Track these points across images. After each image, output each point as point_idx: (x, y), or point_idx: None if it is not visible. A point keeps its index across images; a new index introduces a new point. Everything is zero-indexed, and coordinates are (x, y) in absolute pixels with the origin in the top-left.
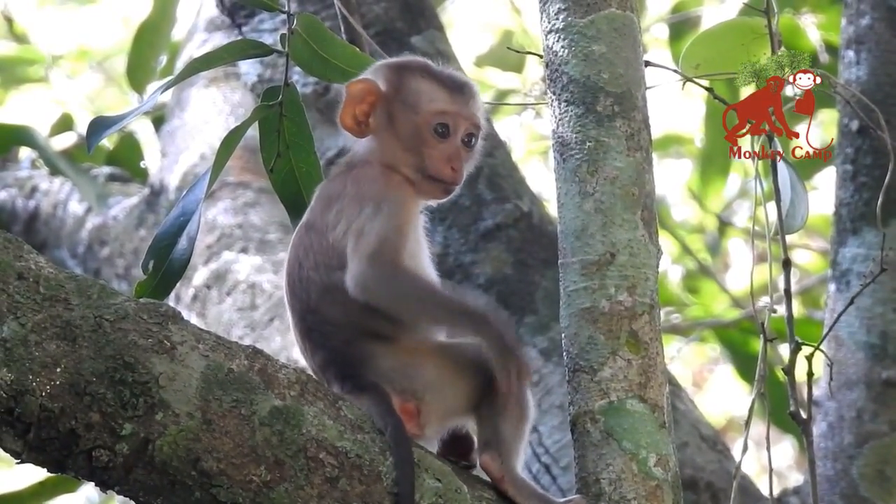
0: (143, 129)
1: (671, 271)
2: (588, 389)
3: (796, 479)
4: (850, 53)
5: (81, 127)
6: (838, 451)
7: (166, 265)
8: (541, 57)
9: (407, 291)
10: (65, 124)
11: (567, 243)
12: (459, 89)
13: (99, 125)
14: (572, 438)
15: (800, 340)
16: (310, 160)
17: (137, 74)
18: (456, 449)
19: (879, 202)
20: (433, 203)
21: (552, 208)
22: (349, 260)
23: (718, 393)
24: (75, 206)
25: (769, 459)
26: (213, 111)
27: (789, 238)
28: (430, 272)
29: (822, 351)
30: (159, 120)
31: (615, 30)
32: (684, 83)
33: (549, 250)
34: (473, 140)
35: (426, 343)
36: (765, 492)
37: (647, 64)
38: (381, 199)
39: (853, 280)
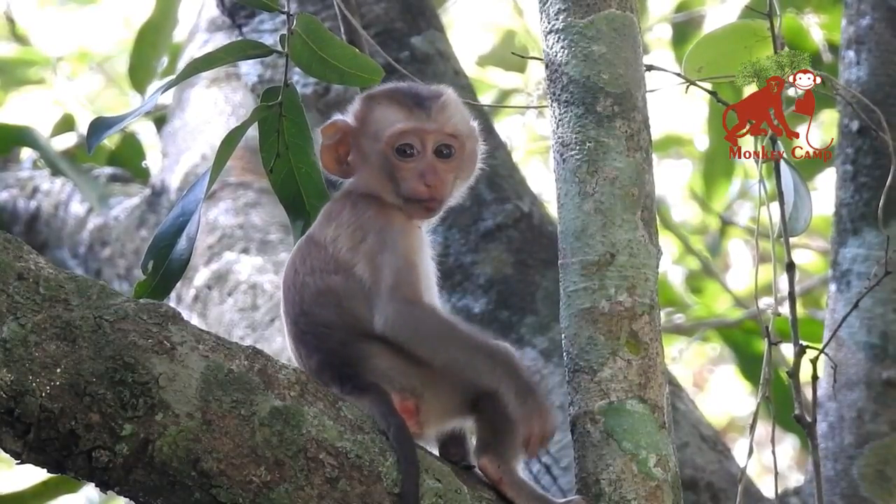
0: (144, 129)
1: (673, 272)
2: (588, 390)
3: (797, 479)
4: (851, 54)
5: (82, 128)
6: (839, 452)
7: (166, 265)
8: (541, 60)
9: (431, 335)
10: (66, 125)
11: (567, 244)
12: (419, 104)
13: (99, 126)
14: (572, 439)
15: (804, 344)
16: (309, 161)
17: (139, 75)
18: (450, 450)
19: (881, 203)
20: (426, 223)
21: (552, 209)
22: (372, 295)
23: (719, 393)
24: (76, 207)
25: (774, 462)
26: (214, 112)
27: (791, 238)
28: (434, 291)
29: (825, 354)
30: (161, 120)
31: (615, 30)
32: (687, 87)
33: (549, 251)
34: (451, 150)
35: None
36: (765, 492)
37: (650, 68)
38: (379, 229)
39: (854, 280)
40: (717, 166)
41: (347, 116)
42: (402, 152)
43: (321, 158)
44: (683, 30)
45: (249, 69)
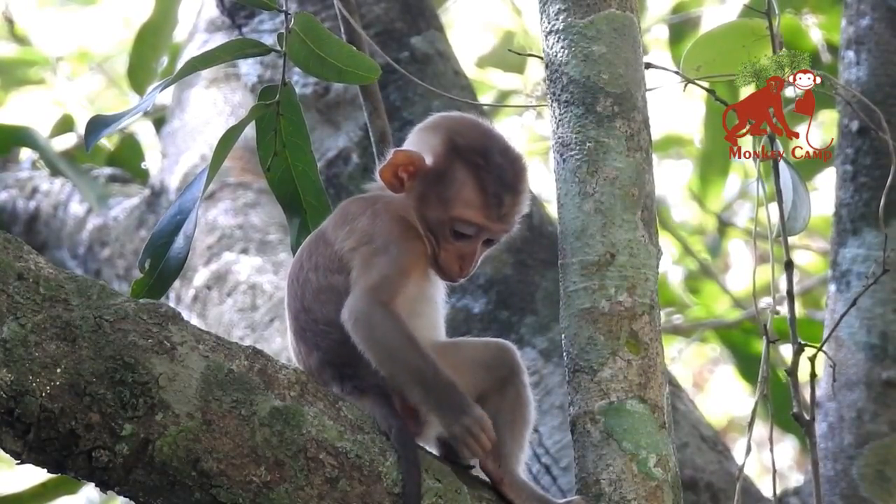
0: (143, 130)
1: (672, 272)
2: (588, 390)
3: (797, 479)
4: (850, 54)
5: (82, 128)
6: (838, 452)
7: (163, 264)
8: (541, 59)
9: (385, 342)
10: (65, 125)
11: (567, 244)
12: (498, 203)
13: (97, 124)
14: (572, 439)
15: (802, 342)
16: (306, 159)
17: (139, 75)
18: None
19: (882, 203)
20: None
21: (552, 209)
22: (351, 287)
23: (719, 394)
24: (76, 207)
25: (773, 462)
26: (213, 112)
27: (790, 239)
28: (434, 332)
29: (824, 352)
30: (160, 121)
31: (615, 30)
32: (686, 85)
33: (549, 251)
34: (496, 241)
35: (424, 342)
36: (765, 492)
37: (649, 66)
38: (391, 242)
39: (853, 280)
40: (713, 166)
41: (424, 147)
42: (457, 233)
43: (382, 168)
44: (681, 29)
45: (249, 69)
